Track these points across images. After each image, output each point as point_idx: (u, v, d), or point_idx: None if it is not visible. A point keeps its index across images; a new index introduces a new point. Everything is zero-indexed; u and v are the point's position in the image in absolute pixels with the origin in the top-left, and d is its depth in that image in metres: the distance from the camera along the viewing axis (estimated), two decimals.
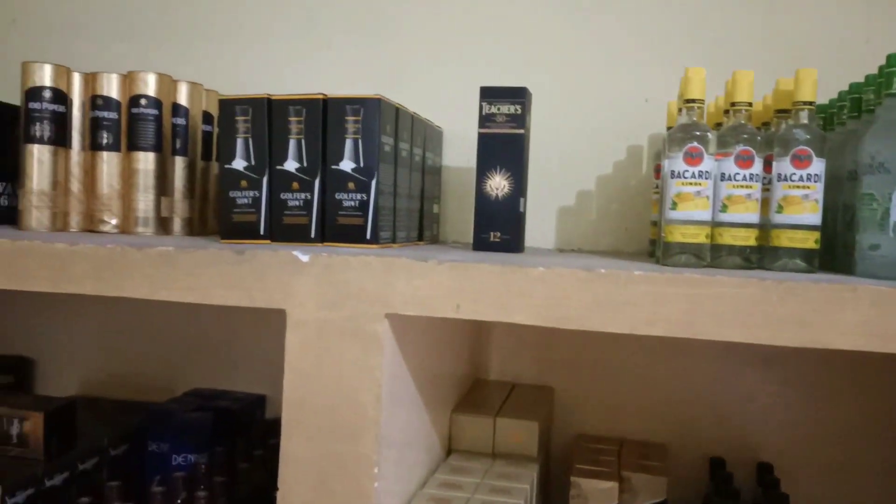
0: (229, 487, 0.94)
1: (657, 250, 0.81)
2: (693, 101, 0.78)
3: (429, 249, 0.90)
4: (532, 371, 1.16)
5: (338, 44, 1.22)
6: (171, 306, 1.31)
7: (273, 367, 1.28)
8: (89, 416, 1.15)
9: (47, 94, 0.97)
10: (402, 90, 1.12)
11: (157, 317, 1.29)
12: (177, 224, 1.04)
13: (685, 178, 0.76)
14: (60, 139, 0.98)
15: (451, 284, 0.64)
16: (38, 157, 0.97)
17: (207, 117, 1.11)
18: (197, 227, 1.08)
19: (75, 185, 1.01)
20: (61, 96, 0.98)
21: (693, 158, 0.76)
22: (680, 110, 0.80)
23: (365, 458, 0.66)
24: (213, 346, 1.28)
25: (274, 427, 1.22)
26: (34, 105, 0.96)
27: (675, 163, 0.76)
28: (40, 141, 0.97)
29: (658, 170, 1.00)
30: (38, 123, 0.96)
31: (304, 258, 0.68)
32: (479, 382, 1.15)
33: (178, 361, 1.29)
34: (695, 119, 0.77)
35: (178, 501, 0.91)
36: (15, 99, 0.98)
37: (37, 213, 0.97)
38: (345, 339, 0.67)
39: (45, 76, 0.97)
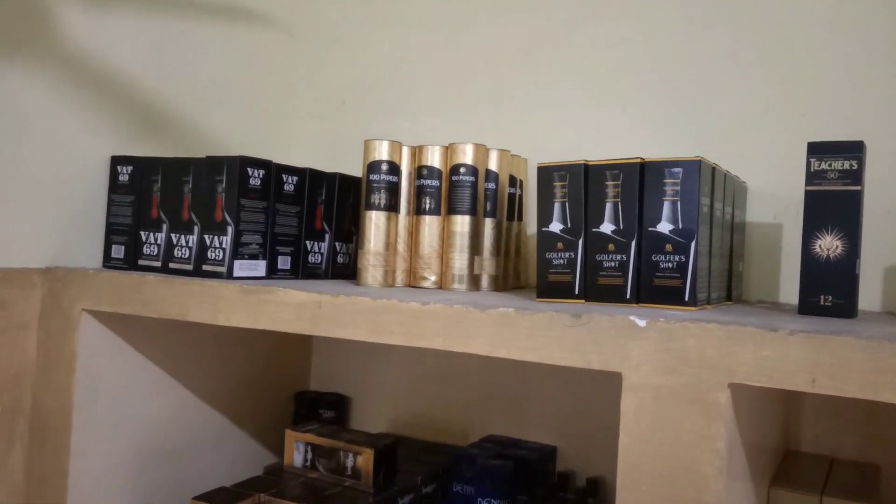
0: None
1: None
2: None
3: (751, 313, 0.86)
4: (852, 445, 1.05)
5: (632, 106, 1.24)
6: (471, 355, 1.41)
7: (562, 421, 1.32)
8: (401, 452, 1.26)
9: (384, 167, 1.11)
10: (705, 147, 1.11)
11: (456, 365, 1.39)
12: (485, 280, 1.13)
13: None
14: (392, 205, 1.11)
15: (806, 357, 0.61)
16: (376, 222, 1.10)
17: (512, 180, 1.19)
18: (501, 283, 1.15)
19: (401, 246, 1.14)
20: (395, 168, 1.11)
21: None
22: None
23: None
24: (506, 395, 1.34)
25: (566, 480, 1.25)
26: (374, 177, 1.10)
27: None
28: (377, 208, 1.10)
29: None
30: (376, 192, 1.10)
31: (641, 323, 0.69)
32: (792, 454, 1.07)
33: (473, 408, 1.37)
34: None
35: None
36: (341, 169, 1.14)
37: (372, 271, 1.11)
38: (683, 407, 0.67)
39: (383, 151, 1.11)
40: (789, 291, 1.11)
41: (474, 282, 1.11)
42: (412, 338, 0.81)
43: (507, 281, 1.20)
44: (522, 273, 1.28)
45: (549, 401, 1.30)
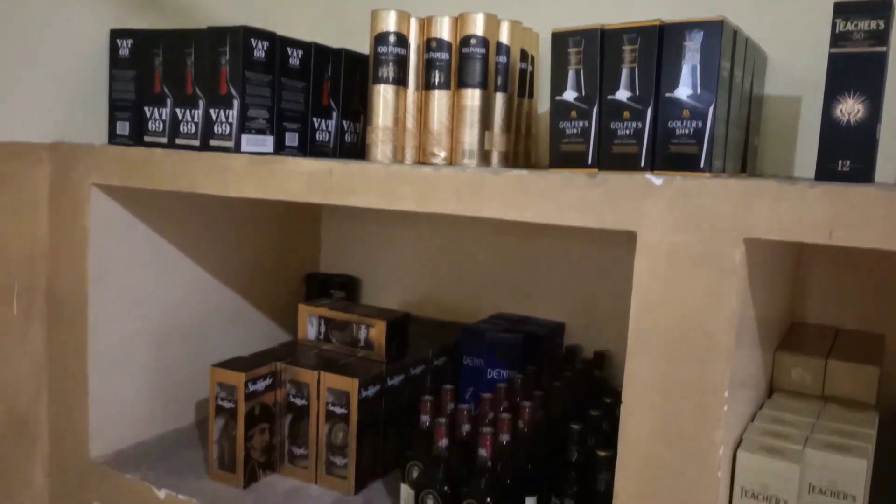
0: (546, 401, 1.01)
1: None
2: None
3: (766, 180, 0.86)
4: (857, 317, 1.07)
5: None
6: (478, 236, 1.42)
7: (569, 298, 1.34)
8: (412, 330, 1.29)
9: (392, 39, 1.07)
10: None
11: (464, 245, 1.40)
12: (495, 157, 1.11)
13: None
14: (401, 79, 1.09)
15: (824, 209, 0.61)
16: (384, 96, 1.08)
17: (523, 55, 1.16)
18: (511, 161, 1.14)
19: (410, 122, 1.11)
20: (403, 40, 1.08)
21: None
22: None
23: (715, 384, 0.67)
24: (514, 274, 1.35)
25: (573, 353, 1.28)
26: (381, 49, 1.07)
27: None
28: (386, 81, 1.07)
29: None
30: (384, 65, 1.07)
31: (657, 182, 0.69)
32: (798, 326, 1.09)
33: (482, 287, 1.39)
34: None
35: (502, 407, 0.99)
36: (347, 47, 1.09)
37: (381, 147, 1.09)
38: (697, 265, 0.67)
39: (390, 22, 1.07)
40: (805, 167, 1.10)
41: (485, 158, 1.09)
42: (425, 203, 0.81)
43: (518, 159, 1.19)
44: (533, 153, 1.26)
45: (557, 279, 1.32)
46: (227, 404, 1.04)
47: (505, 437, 0.89)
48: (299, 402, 1.07)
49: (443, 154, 1.10)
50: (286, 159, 0.91)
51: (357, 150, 1.27)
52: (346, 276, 1.51)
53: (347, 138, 1.25)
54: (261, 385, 1.06)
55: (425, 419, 0.96)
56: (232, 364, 1.06)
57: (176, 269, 1.23)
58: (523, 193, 0.75)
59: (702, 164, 0.83)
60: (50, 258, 1.13)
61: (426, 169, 0.82)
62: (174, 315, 1.23)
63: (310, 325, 1.19)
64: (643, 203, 0.69)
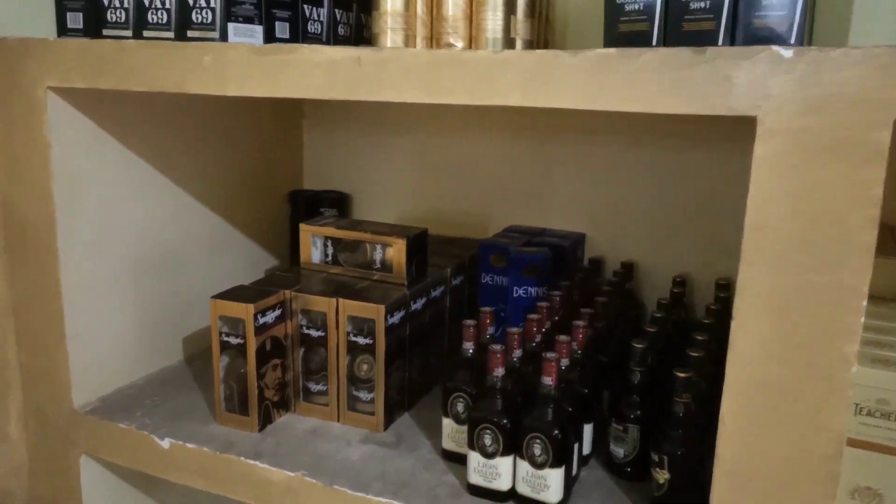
0: (593, 319, 0.91)
1: None
2: None
3: None
4: None
5: None
6: (485, 142, 1.29)
7: (586, 208, 1.24)
8: None
9: None
10: None
11: (470, 152, 1.27)
12: (519, 46, 0.97)
13: None
14: None
15: None
16: None
17: None
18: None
19: (420, 9, 0.96)
20: None
21: None
22: None
23: (852, 290, 0.57)
24: (525, 185, 1.24)
25: (598, 265, 1.19)
26: None
27: None
28: None
29: None
30: None
31: (787, 53, 0.57)
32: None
33: (489, 200, 1.27)
34: None
35: (543, 329, 0.89)
36: None
37: (391, 35, 0.93)
38: (832, 151, 0.56)
39: None
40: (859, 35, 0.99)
41: (510, 46, 0.95)
42: (480, 95, 0.67)
43: (539, 48, 1.05)
44: (550, 40, 1.12)
45: (572, 188, 1.20)
46: (233, 340, 0.91)
47: (565, 362, 0.80)
48: (314, 333, 0.95)
49: (460, 44, 0.95)
50: (300, 47, 0.75)
51: (351, 43, 1.11)
52: (337, 192, 1.37)
53: (341, 31, 1.08)
54: (270, 317, 0.93)
55: (468, 346, 0.86)
56: (235, 295, 0.93)
57: (151, 189, 1.06)
58: (608, 77, 0.62)
59: (793, 40, 0.72)
60: (4, 179, 0.95)
61: (482, 52, 0.68)
62: (152, 241, 1.07)
63: (314, 248, 1.05)
64: (768, 81, 0.57)
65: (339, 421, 0.96)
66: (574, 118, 1.18)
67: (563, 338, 0.80)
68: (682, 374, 0.74)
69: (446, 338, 1.10)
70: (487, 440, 0.78)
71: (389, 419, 0.96)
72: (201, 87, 0.79)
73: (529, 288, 1.08)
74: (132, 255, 1.04)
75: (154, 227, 1.07)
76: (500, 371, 0.78)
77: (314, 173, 1.40)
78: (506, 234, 1.20)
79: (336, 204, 1.35)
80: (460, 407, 0.85)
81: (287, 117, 1.35)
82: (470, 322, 0.86)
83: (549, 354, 0.76)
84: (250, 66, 0.77)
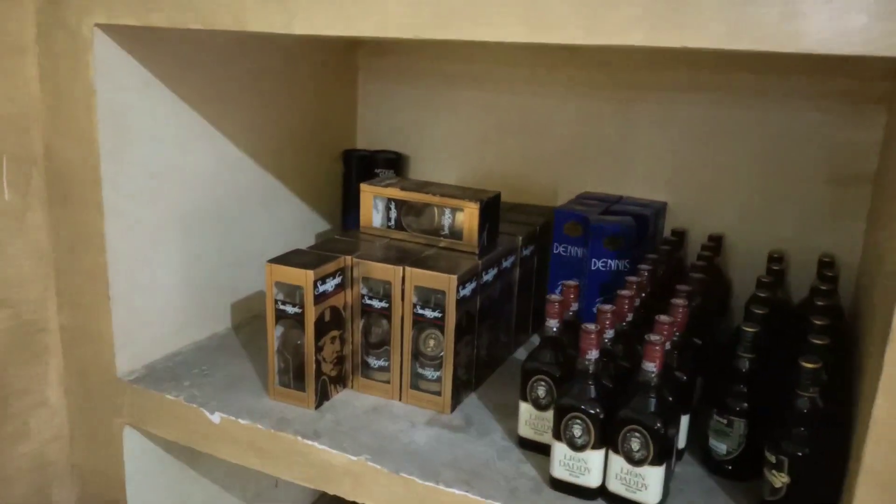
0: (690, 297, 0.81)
1: None
2: None
3: None
4: None
5: None
6: (557, 101, 1.18)
7: (667, 175, 1.13)
8: None
9: None
10: None
11: (539, 110, 1.16)
12: None
13: None
14: None
15: None
16: None
17: None
18: None
19: None
20: None
21: None
22: None
23: None
24: (600, 148, 1.13)
25: (682, 237, 1.08)
26: None
27: None
28: None
29: None
30: None
31: None
32: None
33: (561, 164, 1.17)
34: None
35: (626, 310, 0.80)
36: None
37: None
38: None
39: None
40: None
41: None
42: (597, 33, 0.57)
43: None
44: None
45: (653, 153, 1.10)
46: (290, 308, 0.83)
47: (667, 345, 0.70)
48: (376, 304, 0.86)
49: None
50: None
51: None
52: (392, 151, 1.28)
53: None
54: (330, 285, 0.84)
55: (553, 323, 0.76)
56: (293, 260, 0.84)
57: (200, 140, 0.98)
58: (759, 5, 0.52)
59: None
60: (46, 122, 0.87)
61: None
62: (200, 195, 0.99)
63: (375, 211, 0.97)
64: None
65: (400, 400, 0.88)
66: (657, 72, 1.07)
67: (664, 318, 0.70)
68: (809, 365, 0.64)
69: (514, 312, 1.01)
70: (577, 431, 0.69)
71: (457, 400, 0.88)
72: (264, 26, 0.70)
73: (609, 260, 0.98)
74: (179, 208, 0.96)
75: (202, 180, 1.00)
76: (593, 354, 0.69)
77: (368, 131, 1.31)
78: (580, 200, 1.10)
79: (392, 164, 1.26)
80: (541, 391, 0.77)
81: (342, 68, 1.26)
82: (555, 297, 0.76)
83: (653, 337, 0.66)
84: None
